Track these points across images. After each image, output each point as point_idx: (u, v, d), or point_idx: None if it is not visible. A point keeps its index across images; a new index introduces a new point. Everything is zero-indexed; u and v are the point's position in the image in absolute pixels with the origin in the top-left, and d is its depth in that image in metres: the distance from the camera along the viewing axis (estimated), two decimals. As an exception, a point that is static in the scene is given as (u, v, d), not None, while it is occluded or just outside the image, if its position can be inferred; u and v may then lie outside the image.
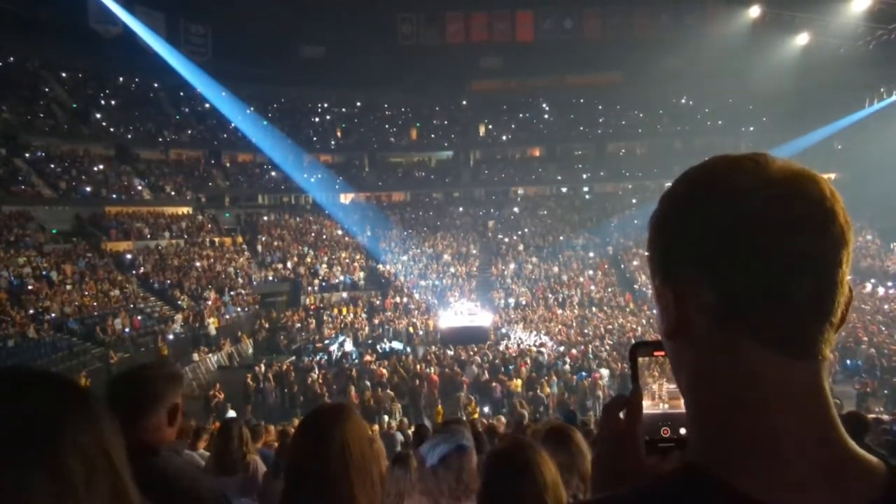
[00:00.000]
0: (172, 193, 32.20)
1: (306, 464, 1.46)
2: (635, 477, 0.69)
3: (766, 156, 0.61)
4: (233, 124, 37.06)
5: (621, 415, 0.74)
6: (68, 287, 20.94)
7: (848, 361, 17.14)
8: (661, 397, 0.75)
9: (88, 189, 28.48)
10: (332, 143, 41.53)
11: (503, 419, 8.88)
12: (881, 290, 24.51)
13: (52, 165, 28.52)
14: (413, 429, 6.87)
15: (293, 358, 20.00)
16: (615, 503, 0.61)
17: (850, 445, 0.57)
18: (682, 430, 0.72)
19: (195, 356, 19.28)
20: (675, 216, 0.63)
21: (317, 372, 16.99)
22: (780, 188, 0.58)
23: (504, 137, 43.13)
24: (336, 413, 1.54)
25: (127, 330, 19.93)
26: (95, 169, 30.26)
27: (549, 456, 1.62)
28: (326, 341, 21.53)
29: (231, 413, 13.26)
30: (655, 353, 0.76)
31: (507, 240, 34.35)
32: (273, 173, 37.66)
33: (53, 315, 18.92)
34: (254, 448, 3.94)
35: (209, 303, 23.49)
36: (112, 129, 33.02)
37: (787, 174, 0.59)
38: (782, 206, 0.57)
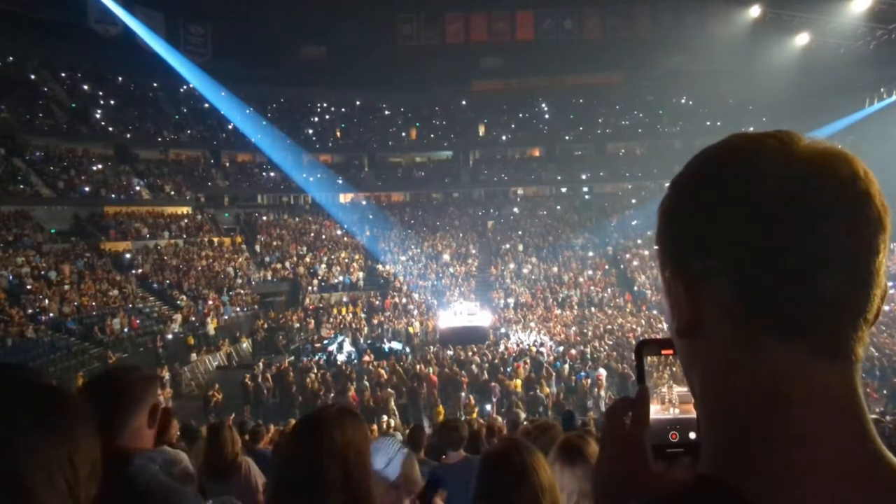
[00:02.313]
0: (171, 193, 32.15)
1: (300, 466, 1.39)
2: (641, 486, 0.63)
3: (790, 133, 0.55)
4: (232, 124, 37.04)
5: (627, 418, 0.68)
6: (67, 287, 20.89)
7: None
8: (671, 401, 0.69)
9: (87, 189, 28.44)
10: (332, 143, 41.51)
11: (500, 420, 8.85)
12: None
13: (51, 165, 28.49)
14: (409, 430, 6.81)
15: (292, 358, 19.96)
16: None
17: (888, 456, 0.50)
18: (692, 435, 0.67)
19: (193, 356, 19.26)
20: (687, 201, 0.56)
21: (315, 372, 16.94)
22: (806, 168, 0.51)
23: (504, 138, 43.11)
24: (335, 414, 1.47)
25: (125, 330, 19.90)
26: (94, 169, 30.23)
27: (568, 478, 1.58)
28: (325, 341, 21.48)
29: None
30: (663, 352, 0.70)
31: (506, 240, 34.32)
32: (272, 173, 37.63)
33: (52, 315, 18.88)
34: (242, 449, 3.89)
35: (210, 303, 23.45)
36: (111, 129, 32.97)
37: (814, 152, 0.52)
38: (809, 188, 0.50)
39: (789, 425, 0.50)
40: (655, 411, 0.68)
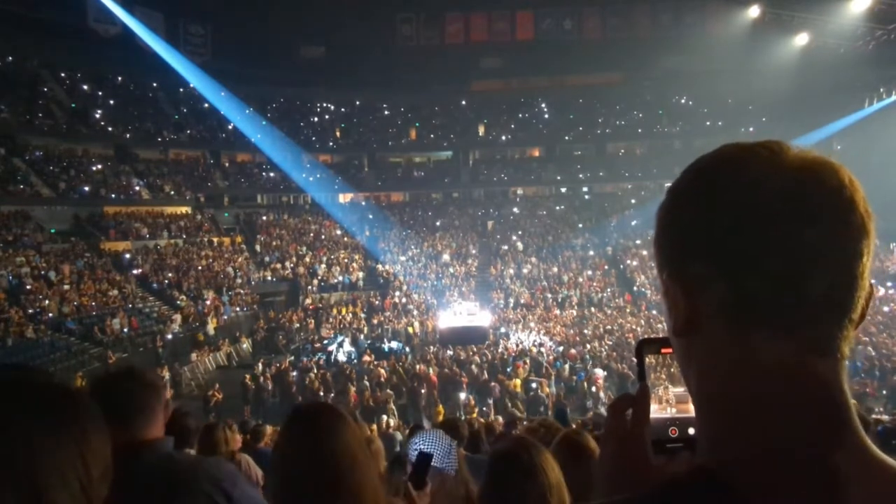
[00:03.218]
0: (171, 193, 32.16)
1: (295, 466, 1.39)
2: (641, 480, 0.65)
3: (780, 143, 0.58)
4: (232, 124, 37.02)
5: (628, 415, 0.70)
6: (66, 287, 20.88)
7: (847, 362, 17.11)
8: (668, 401, 0.71)
9: (87, 189, 28.44)
10: (332, 143, 41.50)
11: (500, 419, 8.88)
12: (881, 291, 24.47)
13: (51, 165, 28.50)
14: (409, 430, 6.82)
15: (292, 358, 19.97)
16: None
17: (872, 450, 0.54)
18: (691, 431, 0.68)
19: (193, 356, 19.26)
20: (684, 207, 0.59)
21: (315, 372, 16.95)
22: (795, 177, 0.54)
23: (503, 138, 43.10)
24: (327, 416, 1.47)
25: (125, 330, 19.89)
26: (94, 169, 30.24)
27: (567, 475, 1.59)
28: (325, 341, 21.49)
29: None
30: (663, 350, 0.72)
31: (506, 240, 34.32)
32: (272, 173, 37.63)
33: (52, 315, 18.87)
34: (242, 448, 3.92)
35: (208, 302, 23.45)
36: (111, 129, 32.97)
37: (803, 162, 0.56)
38: (798, 196, 0.53)
39: (778, 419, 0.53)
40: (654, 411, 0.70)
